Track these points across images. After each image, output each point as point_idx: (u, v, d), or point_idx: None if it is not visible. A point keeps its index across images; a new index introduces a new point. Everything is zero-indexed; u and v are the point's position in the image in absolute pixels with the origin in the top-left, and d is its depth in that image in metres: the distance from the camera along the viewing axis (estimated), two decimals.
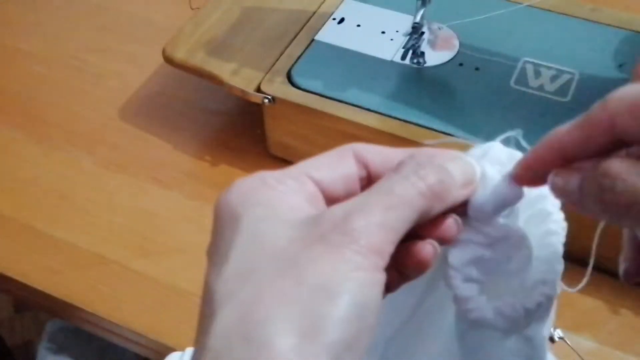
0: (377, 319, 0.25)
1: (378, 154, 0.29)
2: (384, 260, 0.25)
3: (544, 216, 0.29)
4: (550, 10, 0.65)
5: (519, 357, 0.28)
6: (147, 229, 0.61)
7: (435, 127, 0.56)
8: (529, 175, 0.28)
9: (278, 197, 0.27)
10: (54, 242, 0.60)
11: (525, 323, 0.28)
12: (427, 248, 0.27)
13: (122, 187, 0.64)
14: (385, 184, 0.26)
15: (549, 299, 0.28)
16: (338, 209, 0.26)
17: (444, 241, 0.28)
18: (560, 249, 0.29)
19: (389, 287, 0.28)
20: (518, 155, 0.29)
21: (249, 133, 0.68)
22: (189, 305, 0.56)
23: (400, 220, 0.25)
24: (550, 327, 0.30)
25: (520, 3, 0.63)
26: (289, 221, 0.26)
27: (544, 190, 0.29)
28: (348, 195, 0.28)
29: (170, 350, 0.53)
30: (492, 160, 0.29)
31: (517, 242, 0.28)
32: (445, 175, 0.27)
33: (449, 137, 0.55)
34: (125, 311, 0.56)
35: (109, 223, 0.62)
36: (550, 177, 0.27)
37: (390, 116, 0.57)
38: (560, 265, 0.29)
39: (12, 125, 0.70)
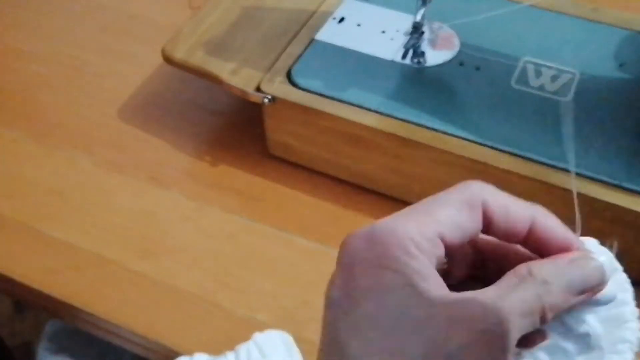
0: None
1: (504, 211, 0.28)
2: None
3: (620, 321, 0.29)
4: (551, 10, 0.65)
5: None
6: (147, 229, 0.61)
7: (435, 126, 0.56)
8: None
9: (419, 272, 0.26)
10: (53, 242, 0.60)
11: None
12: None
13: (121, 187, 0.64)
14: (514, 289, 0.26)
15: None
16: (479, 302, 0.25)
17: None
18: (630, 358, 0.29)
19: None
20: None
21: (248, 133, 0.67)
22: (188, 305, 0.56)
23: (525, 329, 0.26)
24: None
25: (521, 2, 0.63)
26: (432, 304, 0.25)
27: (627, 295, 0.29)
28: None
29: (169, 351, 0.53)
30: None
31: (594, 341, 0.28)
32: (556, 295, 0.26)
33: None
34: (125, 312, 0.56)
35: (108, 223, 0.61)
36: None
37: (390, 116, 0.57)
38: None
39: (12, 125, 0.70)
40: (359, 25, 0.65)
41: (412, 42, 0.60)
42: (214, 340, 0.54)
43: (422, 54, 0.61)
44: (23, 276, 0.58)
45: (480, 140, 0.55)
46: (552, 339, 0.28)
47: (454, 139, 0.55)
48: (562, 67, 0.60)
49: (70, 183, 0.65)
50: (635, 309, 0.30)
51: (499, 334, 0.25)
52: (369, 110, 0.58)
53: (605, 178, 0.52)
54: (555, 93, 0.58)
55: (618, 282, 0.30)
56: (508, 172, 0.53)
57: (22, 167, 0.66)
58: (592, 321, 0.29)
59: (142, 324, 0.55)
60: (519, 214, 0.28)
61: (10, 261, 0.59)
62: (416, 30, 0.60)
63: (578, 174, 0.53)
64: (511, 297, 0.26)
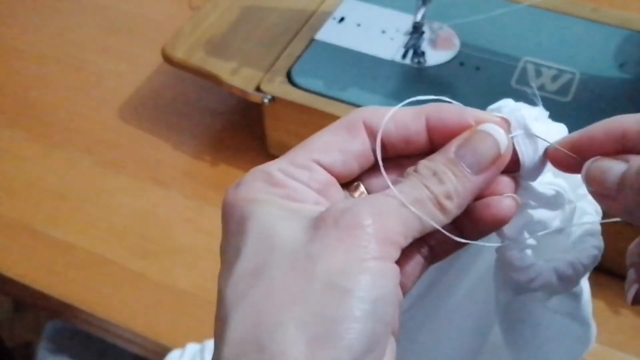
0: (397, 311, 0.24)
1: (390, 121, 0.27)
2: (395, 251, 0.24)
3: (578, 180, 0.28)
4: (551, 10, 0.65)
5: (562, 314, 0.28)
6: (146, 229, 0.61)
7: None
8: (573, 152, 0.26)
9: (287, 194, 0.25)
10: (53, 242, 0.60)
11: (580, 280, 0.27)
12: (506, 202, 0.26)
13: (121, 187, 0.64)
14: (397, 187, 0.25)
15: (600, 251, 0.27)
16: (349, 200, 0.25)
17: (501, 223, 0.26)
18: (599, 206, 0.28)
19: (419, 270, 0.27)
20: (544, 114, 0.28)
21: (248, 133, 0.67)
22: (187, 305, 0.56)
23: (413, 219, 0.24)
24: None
25: (521, 3, 0.63)
26: (301, 216, 0.24)
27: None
28: (363, 171, 0.27)
29: (169, 351, 0.53)
30: (529, 117, 0.27)
31: (561, 198, 0.27)
32: (451, 185, 0.25)
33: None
34: (124, 311, 0.56)
35: (108, 223, 0.61)
36: (586, 165, 0.25)
37: None
38: (599, 214, 0.28)
39: (12, 125, 0.70)
40: (359, 25, 0.65)
41: (412, 42, 0.60)
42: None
43: (422, 54, 0.61)
44: (23, 276, 0.58)
45: None
46: (526, 216, 0.27)
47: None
48: (562, 67, 0.60)
49: (70, 183, 0.65)
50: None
51: (355, 226, 0.23)
52: None
53: None
54: (555, 93, 0.58)
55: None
56: None
57: (22, 167, 0.66)
58: (554, 178, 0.27)
59: (142, 324, 0.55)
60: (406, 117, 0.27)
61: (11, 261, 0.59)
62: (416, 30, 0.60)
63: None
64: (389, 193, 0.25)
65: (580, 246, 0.27)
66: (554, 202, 0.27)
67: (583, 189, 0.28)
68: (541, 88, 0.58)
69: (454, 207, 0.25)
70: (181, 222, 0.61)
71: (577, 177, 0.26)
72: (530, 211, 0.27)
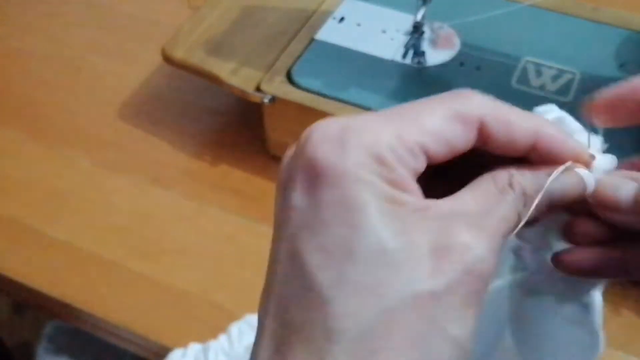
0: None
1: (503, 129, 0.24)
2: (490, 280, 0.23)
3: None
4: (551, 10, 0.65)
5: (574, 323, 0.28)
6: (146, 229, 0.61)
7: None
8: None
9: (395, 180, 0.22)
10: (53, 242, 0.60)
11: (587, 288, 0.27)
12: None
13: (120, 187, 0.64)
14: (489, 201, 0.23)
15: None
16: (444, 210, 0.23)
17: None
18: None
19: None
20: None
21: (248, 133, 0.67)
22: (187, 305, 0.56)
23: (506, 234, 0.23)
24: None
25: (521, 2, 0.63)
26: (405, 213, 0.22)
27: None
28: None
29: (169, 351, 0.53)
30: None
31: None
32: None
33: None
34: (124, 312, 0.56)
35: (107, 223, 0.61)
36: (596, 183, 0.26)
37: None
38: None
39: (12, 125, 0.70)
40: (359, 24, 0.65)
41: (412, 41, 0.60)
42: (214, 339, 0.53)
43: (423, 53, 0.61)
44: (23, 276, 0.58)
45: None
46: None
47: None
48: (562, 67, 0.60)
49: (70, 183, 0.65)
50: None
51: (481, 272, 0.22)
52: (369, 110, 0.57)
53: None
54: (556, 93, 0.58)
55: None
56: None
57: (22, 167, 0.66)
58: None
59: (142, 324, 0.55)
60: (518, 133, 0.24)
61: (10, 261, 0.59)
62: (416, 29, 0.60)
63: None
64: (493, 216, 0.23)
65: None
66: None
67: None
68: (541, 88, 0.58)
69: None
70: (181, 222, 0.61)
71: None
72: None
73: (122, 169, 0.66)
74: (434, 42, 0.62)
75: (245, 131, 0.68)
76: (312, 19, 0.66)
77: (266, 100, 0.59)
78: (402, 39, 0.62)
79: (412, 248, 0.21)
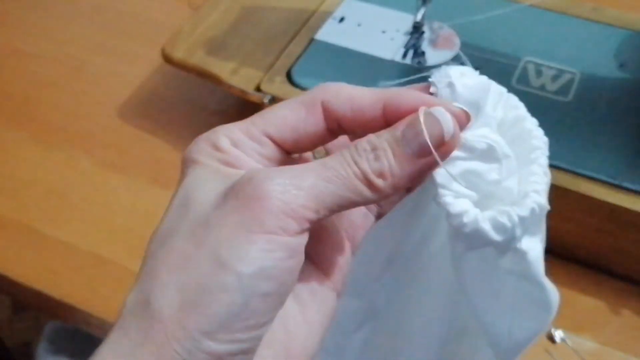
0: (281, 284, 0.24)
1: (348, 104, 0.27)
2: (298, 224, 0.24)
3: (524, 134, 0.29)
4: (551, 10, 0.65)
5: (515, 274, 0.28)
6: (147, 230, 0.60)
7: None
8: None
9: (226, 160, 0.26)
10: (53, 242, 0.60)
11: (520, 234, 0.26)
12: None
13: (121, 187, 0.64)
14: (324, 159, 0.25)
15: (542, 208, 0.27)
16: (267, 169, 0.25)
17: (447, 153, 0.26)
18: (545, 162, 0.28)
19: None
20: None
21: None
22: None
23: (328, 192, 0.24)
24: (543, 243, 0.29)
25: (521, 3, 0.63)
26: (223, 180, 0.25)
27: (521, 111, 0.29)
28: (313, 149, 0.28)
29: None
30: (454, 74, 0.28)
31: (494, 151, 0.27)
32: (385, 163, 0.25)
33: None
34: None
35: (108, 223, 0.61)
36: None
37: None
38: (548, 176, 0.28)
39: (12, 125, 0.70)
40: (359, 25, 0.65)
41: (412, 41, 0.60)
42: None
43: (423, 53, 0.61)
44: (23, 276, 0.58)
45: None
46: (461, 166, 0.26)
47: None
48: (562, 67, 0.60)
49: (70, 183, 0.65)
50: (534, 119, 0.29)
51: (253, 198, 0.24)
52: None
53: (605, 178, 0.52)
54: (555, 93, 0.58)
55: (506, 102, 0.29)
56: None
57: (22, 167, 0.66)
58: (489, 134, 0.27)
59: None
60: (365, 101, 0.27)
61: (10, 261, 0.59)
62: (416, 30, 0.60)
63: (578, 174, 0.53)
64: (311, 165, 0.25)
65: (523, 200, 0.26)
66: (487, 155, 0.27)
67: (534, 153, 0.28)
68: (541, 88, 0.58)
69: (386, 187, 0.25)
70: None
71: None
72: (461, 162, 0.27)
73: (122, 169, 0.66)
74: (434, 42, 0.62)
75: None
76: (312, 19, 0.66)
77: (266, 100, 0.59)
78: (402, 39, 0.62)
79: (209, 196, 0.25)
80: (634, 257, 0.54)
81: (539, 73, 0.59)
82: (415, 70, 0.61)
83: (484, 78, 0.29)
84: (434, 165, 0.26)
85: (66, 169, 0.66)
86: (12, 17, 0.82)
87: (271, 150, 0.27)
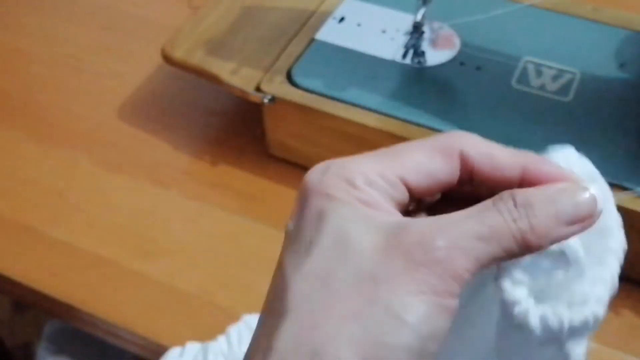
0: (441, 344, 0.24)
1: (487, 159, 0.26)
2: (460, 286, 0.24)
3: (604, 232, 0.28)
4: (551, 10, 0.65)
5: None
6: (146, 229, 0.61)
7: (435, 126, 0.56)
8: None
9: (365, 200, 0.25)
10: (53, 242, 0.60)
11: (566, 338, 0.27)
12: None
13: (120, 187, 0.64)
14: (480, 214, 0.25)
15: (597, 320, 0.27)
16: (426, 223, 0.25)
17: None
18: (616, 269, 0.28)
19: None
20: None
21: (248, 133, 0.67)
22: (187, 305, 0.56)
23: (486, 253, 0.24)
24: (586, 345, 0.29)
25: (521, 3, 0.63)
26: (377, 226, 0.25)
27: (609, 205, 0.28)
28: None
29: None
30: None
31: (564, 257, 0.27)
32: (542, 222, 0.25)
33: None
34: (124, 312, 0.56)
35: (107, 223, 0.61)
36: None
37: (390, 116, 0.57)
38: (615, 287, 0.28)
39: (11, 125, 0.70)
40: (359, 25, 0.65)
41: (412, 41, 0.60)
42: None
43: (423, 53, 0.61)
44: (23, 276, 0.58)
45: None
46: (529, 257, 0.26)
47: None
48: (562, 67, 0.60)
49: (70, 183, 0.65)
50: (619, 217, 0.29)
51: (437, 263, 0.24)
52: (369, 110, 0.57)
53: (605, 178, 0.52)
54: (555, 93, 0.58)
55: (601, 193, 0.28)
56: None
57: (22, 167, 0.66)
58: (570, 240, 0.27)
59: (142, 324, 0.55)
60: (506, 160, 0.27)
61: (10, 261, 0.59)
62: (416, 30, 0.59)
63: None
64: (469, 220, 0.24)
65: (581, 307, 0.26)
66: (557, 257, 0.27)
67: (608, 256, 0.28)
68: (541, 88, 0.58)
69: (540, 245, 0.25)
70: (181, 222, 0.61)
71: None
72: (534, 256, 0.27)
73: (122, 169, 0.66)
74: (434, 42, 0.62)
75: (245, 131, 0.68)
76: (312, 19, 0.66)
77: (266, 100, 0.59)
78: (402, 39, 0.62)
79: (367, 244, 0.24)
80: (634, 257, 0.54)
81: (539, 73, 0.59)
82: (415, 70, 0.61)
83: (593, 168, 0.29)
84: (574, 235, 0.26)
85: (65, 168, 0.66)
86: (12, 17, 0.82)
87: (403, 194, 0.26)
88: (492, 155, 0.27)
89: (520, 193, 0.25)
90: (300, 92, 0.59)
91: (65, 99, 0.73)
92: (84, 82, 0.74)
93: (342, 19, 0.65)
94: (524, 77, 0.59)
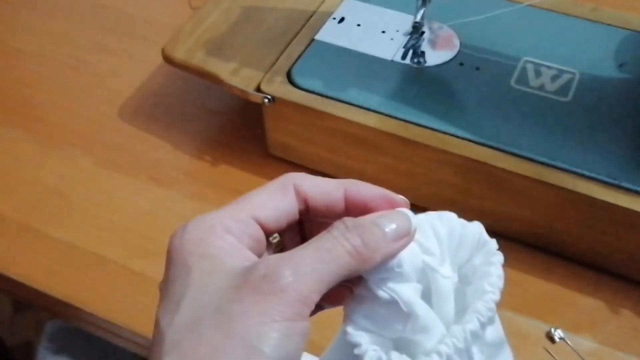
0: None
1: (316, 187, 0.31)
2: (309, 308, 0.27)
3: (483, 273, 0.31)
4: (550, 10, 0.65)
5: None
6: (147, 229, 0.61)
7: (435, 126, 0.56)
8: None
9: (224, 249, 0.29)
10: (53, 242, 0.60)
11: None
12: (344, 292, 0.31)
13: (121, 187, 0.64)
14: (317, 241, 0.28)
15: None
16: (272, 259, 0.28)
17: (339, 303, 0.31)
18: (476, 326, 0.30)
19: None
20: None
21: (249, 133, 0.67)
22: None
23: (327, 273, 0.28)
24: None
25: (521, 3, 0.63)
26: (232, 272, 0.28)
27: (495, 260, 0.31)
28: (288, 228, 0.32)
29: None
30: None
31: (405, 307, 0.30)
32: (370, 238, 0.29)
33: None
34: (124, 311, 0.56)
35: (108, 223, 0.62)
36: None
37: (390, 116, 0.57)
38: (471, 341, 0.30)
39: (12, 125, 0.70)
40: (359, 25, 0.65)
41: (412, 42, 0.60)
42: None
43: (422, 54, 0.61)
44: (23, 276, 0.58)
45: (480, 140, 0.55)
46: (365, 303, 0.30)
47: (454, 139, 0.55)
48: (562, 67, 0.60)
49: (71, 183, 0.65)
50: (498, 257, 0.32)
51: (271, 292, 0.26)
52: (369, 110, 0.58)
53: (605, 178, 0.52)
54: (555, 93, 0.58)
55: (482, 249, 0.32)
56: (508, 171, 0.53)
57: (22, 167, 0.66)
58: (394, 286, 0.30)
59: (142, 324, 0.55)
60: (329, 186, 0.32)
61: (10, 261, 0.59)
62: (416, 30, 0.60)
63: (578, 174, 0.53)
64: (308, 248, 0.28)
65: (426, 355, 0.29)
66: (387, 305, 0.30)
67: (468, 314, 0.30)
68: (541, 88, 0.58)
69: (374, 257, 0.29)
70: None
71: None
72: (369, 301, 0.30)
73: (123, 168, 0.66)
74: (433, 43, 0.62)
75: (245, 131, 0.68)
76: (312, 20, 0.66)
77: (266, 101, 0.59)
78: (402, 39, 0.62)
79: (221, 288, 0.27)
80: (633, 256, 0.54)
81: (538, 73, 0.60)
82: (415, 71, 0.61)
83: (459, 225, 0.32)
84: (400, 250, 0.30)
85: (66, 168, 0.66)
86: (12, 17, 0.82)
87: (257, 230, 0.30)
88: (319, 184, 0.32)
89: (350, 219, 0.30)
90: (300, 92, 0.59)
91: (65, 98, 0.73)
92: (84, 82, 0.74)
93: (342, 20, 0.65)
94: (523, 77, 0.59)
